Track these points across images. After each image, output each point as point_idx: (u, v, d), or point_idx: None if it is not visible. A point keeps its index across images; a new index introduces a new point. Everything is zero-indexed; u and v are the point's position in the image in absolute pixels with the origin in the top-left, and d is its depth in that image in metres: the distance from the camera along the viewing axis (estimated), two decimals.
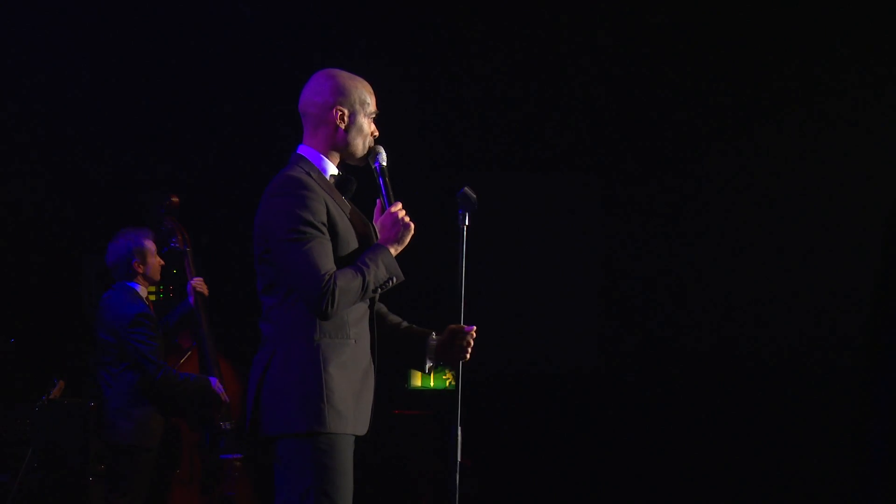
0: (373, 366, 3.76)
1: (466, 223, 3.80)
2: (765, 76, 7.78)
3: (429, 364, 3.89)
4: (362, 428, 3.71)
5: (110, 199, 7.68)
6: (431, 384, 7.81)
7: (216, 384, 6.26)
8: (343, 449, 3.63)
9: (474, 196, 3.78)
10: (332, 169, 3.81)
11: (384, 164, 3.82)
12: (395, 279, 3.72)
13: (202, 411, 6.31)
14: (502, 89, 8.05)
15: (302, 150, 3.83)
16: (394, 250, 3.73)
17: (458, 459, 3.74)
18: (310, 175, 3.72)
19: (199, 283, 6.49)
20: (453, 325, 3.83)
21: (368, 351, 3.76)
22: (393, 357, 3.88)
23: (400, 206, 3.79)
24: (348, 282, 3.60)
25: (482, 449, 7.66)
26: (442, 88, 8.05)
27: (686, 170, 7.95)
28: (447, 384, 7.50)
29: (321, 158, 3.80)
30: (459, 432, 3.72)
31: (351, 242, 3.71)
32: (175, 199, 6.57)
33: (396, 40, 7.77)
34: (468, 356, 3.83)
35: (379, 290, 3.71)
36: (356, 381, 3.68)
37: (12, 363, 7.38)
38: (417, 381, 7.85)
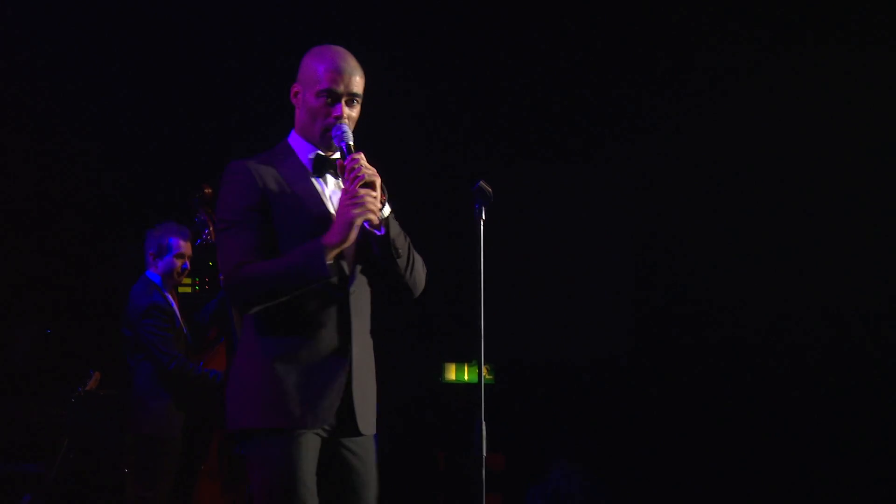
0: (344, 358, 3.51)
1: (483, 217, 3.70)
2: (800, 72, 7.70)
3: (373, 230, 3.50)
4: (312, 421, 3.46)
5: (149, 191, 7.72)
6: (465, 377, 7.80)
7: None
8: (289, 444, 3.45)
9: (489, 190, 3.72)
10: (310, 151, 3.62)
11: (350, 142, 3.52)
12: (319, 280, 3.42)
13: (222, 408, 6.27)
14: (532, 77, 8.03)
15: (290, 134, 3.70)
16: (334, 248, 3.41)
17: (484, 454, 3.70)
18: (269, 156, 3.59)
19: None
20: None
21: (335, 342, 3.51)
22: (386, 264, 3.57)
23: (361, 155, 3.47)
24: (258, 276, 3.42)
25: (515, 441, 7.68)
26: (469, 77, 8.04)
27: (722, 158, 7.88)
28: (485, 376, 7.47)
29: (299, 140, 3.64)
30: (484, 427, 3.68)
31: (298, 223, 3.49)
32: (208, 191, 6.48)
33: (417, 31, 7.78)
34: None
35: (307, 287, 3.43)
36: (303, 374, 3.46)
37: (49, 354, 7.45)
38: (451, 374, 7.84)
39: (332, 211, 3.54)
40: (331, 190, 3.60)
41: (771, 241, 7.77)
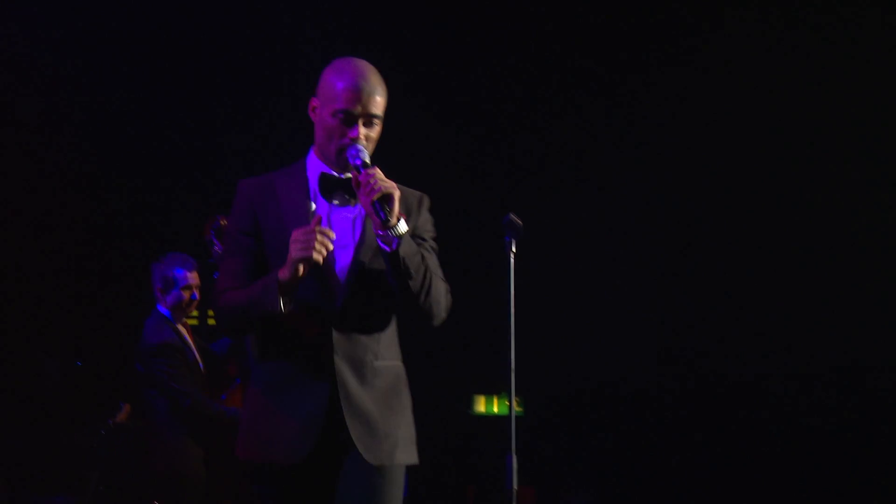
0: (325, 385, 3.35)
1: (513, 249, 3.68)
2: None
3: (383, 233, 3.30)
4: (280, 455, 3.36)
5: (177, 222, 7.74)
6: (495, 409, 7.77)
7: None
8: (261, 477, 3.40)
9: (520, 223, 3.69)
10: (321, 168, 3.46)
11: (366, 160, 3.34)
12: (274, 312, 3.29)
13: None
14: (560, 108, 8.04)
15: (309, 150, 3.55)
16: (286, 283, 3.28)
17: (515, 488, 3.67)
18: (277, 175, 3.50)
19: None
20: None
21: (317, 369, 3.36)
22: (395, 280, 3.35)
23: (377, 170, 3.29)
24: (229, 304, 3.37)
25: (546, 474, 7.63)
26: (497, 107, 8.07)
27: (752, 181, 7.84)
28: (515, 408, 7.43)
29: (314, 158, 3.49)
30: (514, 460, 3.65)
31: (283, 246, 3.32)
32: (224, 223, 6.18)
33: (447, 62, 7.80)
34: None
35: (267, 317, 3.32)
36: (283, 402, 3.37)
37: (79, 387, 7.46)
38: (481, 406, 7.82)
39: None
40: (334, 212, 3.43)
41: (802, 269, 7.72)
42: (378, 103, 3.42)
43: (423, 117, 7.44)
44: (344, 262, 3.41)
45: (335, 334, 3.37)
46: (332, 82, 3.40)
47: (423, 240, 3.50)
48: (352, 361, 3.39)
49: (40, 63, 7.54)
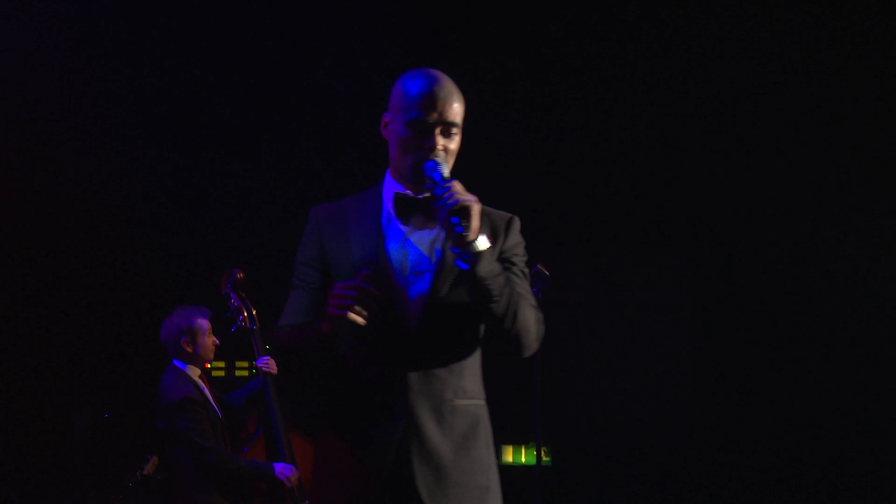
0: (393, 429, 3.08)
1: (541, 299, 3.64)
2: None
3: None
4: (345, 500, 3.11)
5: (205, 273, 7.79)
6: (523, 460, 7.73)
7: (280, 470, 5.98)
8: None
9: (547, 273, 3.67)
10: (396, 188, 3.19)
11: (445, 173, 3.04)
12: (310, 359, 3.11)
13: (266, 498, 6.02)
14: (594, 161, 8.03)
15: (386, 171, 3.27)
16: (328, 335, 3.02)
17: None
18: (350, 200, 3.26)
19: (267, 363, 6.24)
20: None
21: (390, 413, 3.09)
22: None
23: (455, 182, 3.01)
24: (281, 344, 3.18)
25: None
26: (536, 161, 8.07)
27: (783, 241, 7.82)
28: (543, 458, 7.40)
29: (389, 178, 3.22)
30: None
31: (346, 279, 3.04)
32: (241, 275, 6.29)
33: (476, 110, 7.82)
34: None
35: (318, 362, 3.12)
36: (347, 447, 3.10)
37: (107, 439, 7.48)
38: (509, 456, 7.78)
39: (392, 263, 3.13)
40: (411, 235, 3.15)
41: (830, 317, 7.68)
42: (456, 110, 3.14)
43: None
44: (420, 290, 3.13)
45: (410, 370, 3.09)
46: (404, 91, 3.13)
47: (513, 264, 3.23)
48: (429, 400, 3.11)
49: (62, 116, 7.63)
